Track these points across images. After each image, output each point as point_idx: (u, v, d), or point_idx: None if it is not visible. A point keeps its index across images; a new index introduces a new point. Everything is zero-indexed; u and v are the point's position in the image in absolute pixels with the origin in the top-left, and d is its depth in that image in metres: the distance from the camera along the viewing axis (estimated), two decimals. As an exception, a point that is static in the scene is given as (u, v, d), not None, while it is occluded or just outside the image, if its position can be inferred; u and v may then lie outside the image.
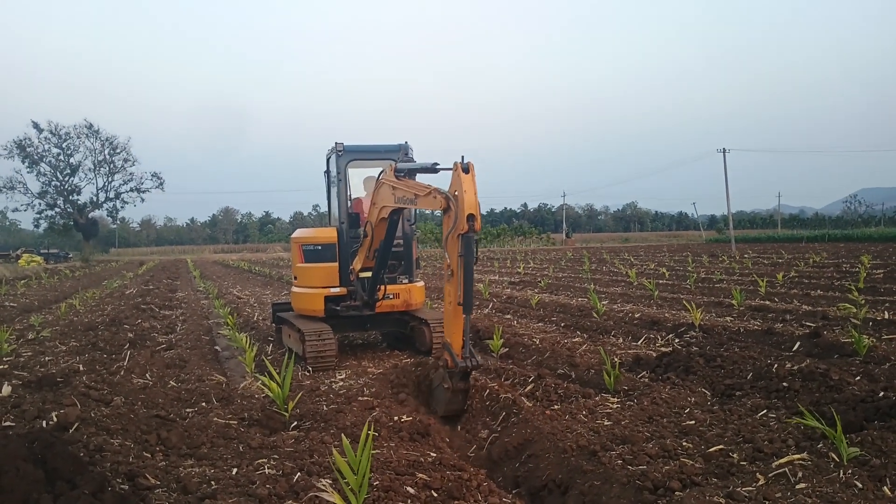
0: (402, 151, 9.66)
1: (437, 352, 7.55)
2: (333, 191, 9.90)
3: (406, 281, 9.85)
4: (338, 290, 9.47)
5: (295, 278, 10.09)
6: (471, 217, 6.17)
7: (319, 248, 9.52)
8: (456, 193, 6.30)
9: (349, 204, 9.76)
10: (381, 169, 8.68)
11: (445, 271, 6.56)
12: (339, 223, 9.59)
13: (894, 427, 4.74)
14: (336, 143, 9.42)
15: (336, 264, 9.50)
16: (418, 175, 8.00)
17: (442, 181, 7.16)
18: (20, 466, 3.69)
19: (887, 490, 3.80)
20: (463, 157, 6.35)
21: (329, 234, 9.60)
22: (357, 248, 9.33)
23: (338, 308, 9.43)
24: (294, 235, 10.30)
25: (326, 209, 10.58)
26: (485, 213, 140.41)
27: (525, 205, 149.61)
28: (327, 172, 10.14)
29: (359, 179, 10.25)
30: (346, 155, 9.50)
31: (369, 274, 9.16)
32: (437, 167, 7.55)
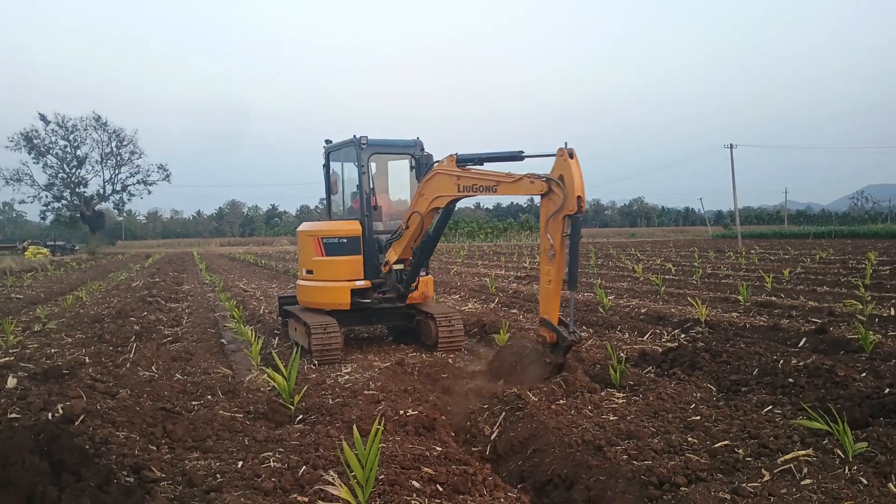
0: (417, 146, 9.84)
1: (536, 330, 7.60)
2: (346, 184, 9.97)
3: (424, 273, 9.91)
4: (362, 283, 9.46)
5: (308, 272, 9.89)
6: (579, 199, 6.73)
7: (344, 241, 9.45)
8: (561, 177, 6.83)
9: (368, 197, 9.64)
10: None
11: (546, 253, 7.08)
12: (364, 216, 9.53)
13: (901, 424, 4.73)
14: (360, 137, 9.36)
15: (360, 257, 9.47)
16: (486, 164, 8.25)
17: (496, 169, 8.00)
18: (26, 458, 3.70)
19: (892, 486, 3.79)
20: (566, 143, 6.93)
21: (353, 226, 9.52)
22: (392, 240, 9.40)
23: (367, 301, 9.44)
24: (308, 228, 10.15)
25: (326, 203, 10.52)
26: (490, 208, 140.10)
27: (532, 200, 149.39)
28: (326, 167, 10.11)
29: (346, 174, 10.32)
30: (368, 148, 9.46)
31: (400, 266, 9.36)
32: (523, 154, 7.89)
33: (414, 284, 9.48)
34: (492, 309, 13.93)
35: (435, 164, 8.61)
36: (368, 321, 10.23)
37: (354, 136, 9.41)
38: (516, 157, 7.92)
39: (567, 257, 6.96)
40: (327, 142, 10.14)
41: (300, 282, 10.20)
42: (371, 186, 9.63)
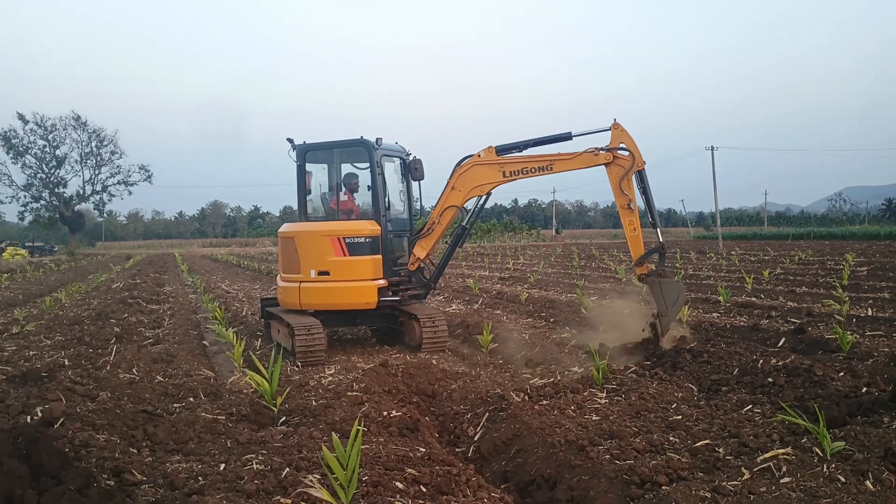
0: (404, 151, 10.25)
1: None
2: (344, 185, 10.07)
3: None
4: (382, 281, 9.50)
5: (325, 272, 9.48)
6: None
7: (369, 240, 9.42)
8: (621, 144, 8.43)
9: (382, 197, 9.65)
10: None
11: (624, 208, 8.54)
12: (381, 216, 9.53)
13: (877, 422, 4.80)
14: (376, 139, 9.48)
15: (381, 256, 9.51)
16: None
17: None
18: (4, 462, 3.65)
19: (870, 484, 3.85)
20: (615, 118, 8.52)
21: (373, 226, 9.49)
22: (417, 237, 9.72)
23: (396, 298, 9.66)
24: (321, 228, 9.70)
25: (299, 203, 10.23)
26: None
27: (515, 201, 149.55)
28: (301, 167, 9.95)
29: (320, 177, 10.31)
30: (379, 151, 9.57)
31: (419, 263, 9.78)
32: (572, 134, 8.86)
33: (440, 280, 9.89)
34: (475, 310, 13.96)
35: (466, 159, 9.22)
36: (353, 322, 10.20)
37: (362, 137, 9.49)
38: (564, 137, 8.88)
39: (644, 205, 8.61)
40: (290, 141, 9.93)
41: (303, 284, 9.63)
42: (386, 186, 9.71)
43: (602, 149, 8.54)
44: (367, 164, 9.60)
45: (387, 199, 9.73)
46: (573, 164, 8.71)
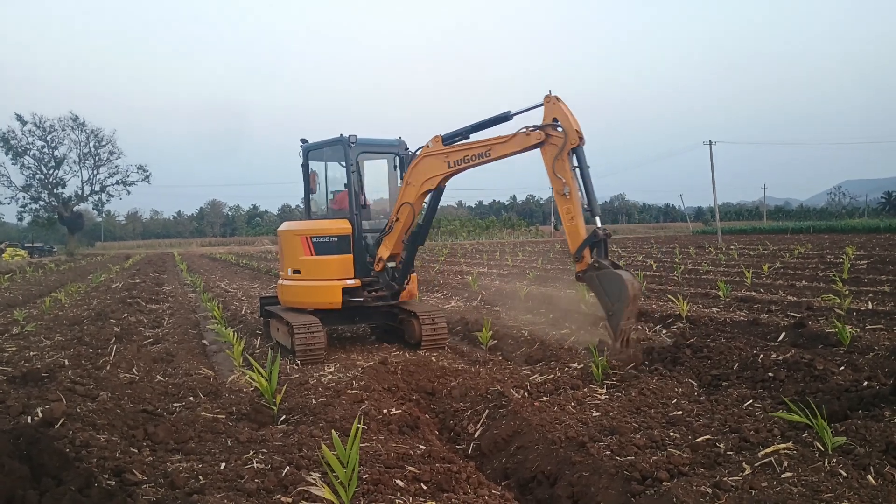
0: (401, 146, 9.93)
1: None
2: (328, 182, 9.97)
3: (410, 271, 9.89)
4: (352, 281, 9.43)
5: (295, 272, 9.75)
6: (577, 132, 7.31)
7: (335, 239, 9.38)
8: (555, 119, 7.44)
9: (357, 196, 9.59)
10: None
11: (559, 193, 7.49)
12: (353, 214, 9.48)
13: (878, 416, 4.80)
14: (349, 136, 9.32)
15: (351, 256, 9.43)
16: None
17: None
18: (5, 462, 3.65)
19: (871, 478, 3.85)
20: (550, 90, 7.50)
21: (343, 225, 9.46)
22: (381, 237, 9.37)
23: (359, 300, 9.40)
24: (295, 227, 10.03)
25: (304, 202, 10.39)
26: (473, 206, 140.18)
27: (514, 197, 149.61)
28: (305, 165, 10.03)
29: (335, 173, 10.26)
30: (357, 147, 9.45)
31: (392, 263, 9.37)
32: (511, 114, 8.05)
33: (407, 281, 9.50)
34: (474, 307, 13.94)
35: (419, 151, 8.74)
36: (352, 320, 10.20)
37: (342, 135, 9.39)
38: (505, 118, 8.10)
39: (582, 189, 7.42)
40: (303, 141, 10.05)
41: (283, 282, 10.09)
42: (360, 185, 9.61)
43: (534, 127, 7.61)
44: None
45: (363, 197, 9.64)
46: (508, 147, 7.90)
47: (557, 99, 7.47)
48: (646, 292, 14.77)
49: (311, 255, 9.50)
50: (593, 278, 7.28)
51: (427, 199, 9.04)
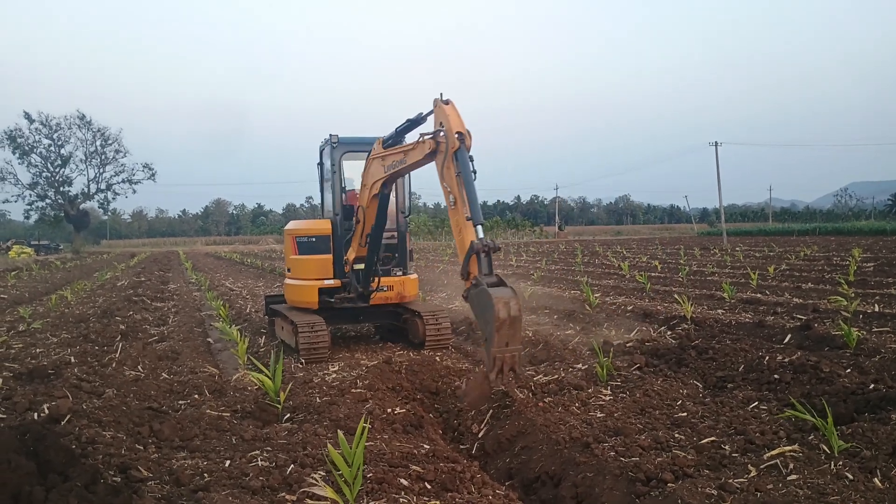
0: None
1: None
2: (327, 183, 9.88)
3: (400, 273, 9.82)
4: (332, 282, 9.45)
5: (288, 270, 10.04)
6: (459, 134, 6.33)
7: (314, 239, 9.48)
8: (441, 124, 6.59)
9: (343, 196, 9.69)
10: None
11: (449, 203, 6.51)
12: (334, 215, 9.53)
13: (884, 419, 4.78)
14: (331, 136, 9.36)
15: (330, 256, 9.47)
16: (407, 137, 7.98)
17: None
18: (12, 459, 3.66)
19: (878, 482, 3.83)
20: (441, 94, 6.67)
21: (323, 225, 9.56)
22: (350, 238, 9.30)
23: (332, 300, 9.39)
24: (287, 227, 10.27)
25: (319, 201, 10.55)
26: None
27: (518, 198, 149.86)
28: (321, 165, 10.09)
29: (355, 172, 10.21)
30: (340, 147, 9.45)
31: (363, 266, 9.14)
32: (422, 114, 7.41)
33: (374, 284, 9.17)
34: (480, 307, 13.91)
35: (369, 154, 8.52)
36: (356, 320, 10.22)
37: (330, 135, 9.42)
38: (418, 120, 7.61)
39: (467, 196, 6.25)
40: (331, 136, 10.03)
41: (286, 280, 10.25)
42: (343, 185, 9.62)
43: (426, 135, 6.88)
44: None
45: (345, 197, 9.62)
46: (414, 155, 7.19)
47: (446, 102, 6.63)
48: (650, 293, 14.75)
49: (297, 254, 9.65)
50: (471, 297, 6.04)
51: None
